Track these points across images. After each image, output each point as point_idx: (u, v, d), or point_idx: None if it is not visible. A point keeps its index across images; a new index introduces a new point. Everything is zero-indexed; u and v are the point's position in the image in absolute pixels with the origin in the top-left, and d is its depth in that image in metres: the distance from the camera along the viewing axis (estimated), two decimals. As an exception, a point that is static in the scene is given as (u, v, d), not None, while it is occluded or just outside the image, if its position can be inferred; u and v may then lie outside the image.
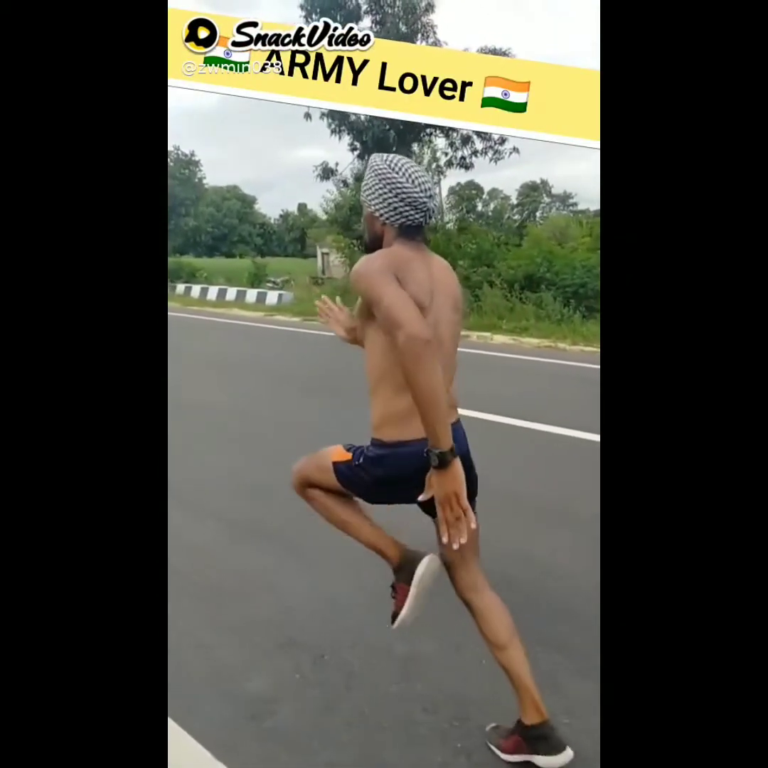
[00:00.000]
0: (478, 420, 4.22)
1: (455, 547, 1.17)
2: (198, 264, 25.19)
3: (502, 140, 14.19)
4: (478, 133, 14.11)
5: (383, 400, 1.35)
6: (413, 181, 1.34)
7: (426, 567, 1.40)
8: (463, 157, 14.39)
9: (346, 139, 14.50)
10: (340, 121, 13.97)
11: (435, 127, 14.07)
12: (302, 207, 77.41)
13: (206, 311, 13.90)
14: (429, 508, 1.33)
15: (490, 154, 14.33)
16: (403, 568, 1.43)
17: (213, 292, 16.87)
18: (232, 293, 16.42)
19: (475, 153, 14.41)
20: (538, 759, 1.36)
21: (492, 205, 46.50)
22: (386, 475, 1.34)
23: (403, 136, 14.08)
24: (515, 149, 14.25)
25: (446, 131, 14.37)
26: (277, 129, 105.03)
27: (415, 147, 14.51)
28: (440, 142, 14.84)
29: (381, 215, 1.38)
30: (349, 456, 1.41)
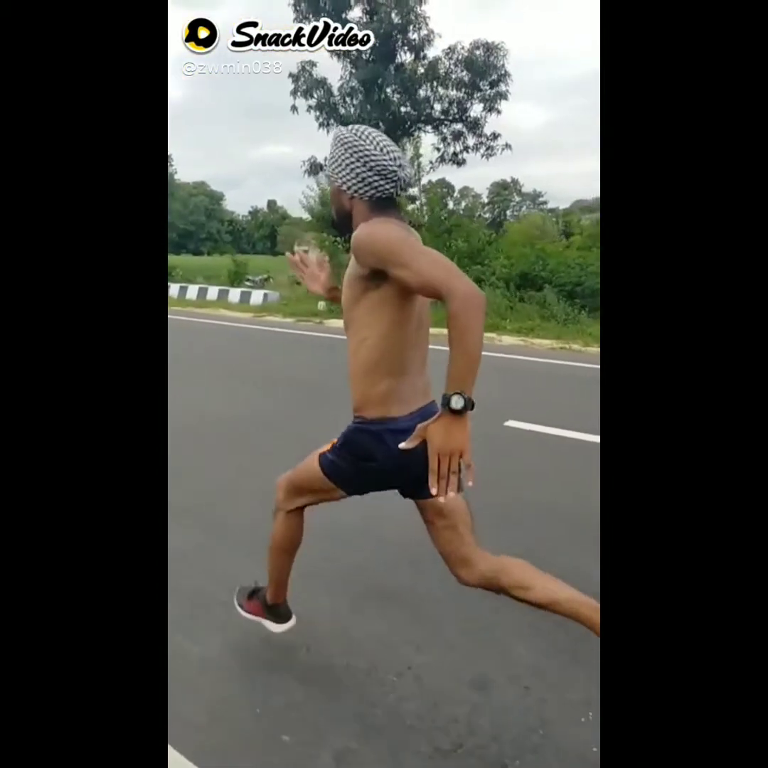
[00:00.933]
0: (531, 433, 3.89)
1: (442, 500, 1.14)
2: (172, 261, 24.24)
3: (495, 136, 13.94)
4: (471, 129, 13.83)
5: (372, 382, 1.31)
6: (382, 149, 1.25)
7: (285, 628, 1.74)
8: (455, 153, 14.06)
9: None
10: (328, 114, 13.50)
11: (425, 122, 13.75)
12: (272, 204, 76.65)
13: (189, 311, 13.27)
14: (410, 489, 1.41)
15: (482, 149, 14.04)
16: (271, 610, 1.73)
17: (192, 291, 16.20)
18: (213, 292, 15.79)
19: (466, 148, 14.11)
20: None
21: (463, 204, 46.59)
22: (370, 452, 1.32)
23: (392, 131, 13.67)
24: (507, 145, 14.02)
25: (437, 125, 14.04)
26: (241, 125, 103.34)
27: (404, 142, 14.11)
28: (430, 138, 14.48)
29: (349, 188, 1.29)
30: (332, 442, 1.42)
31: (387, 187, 1.28)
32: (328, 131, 14.02)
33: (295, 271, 1.71)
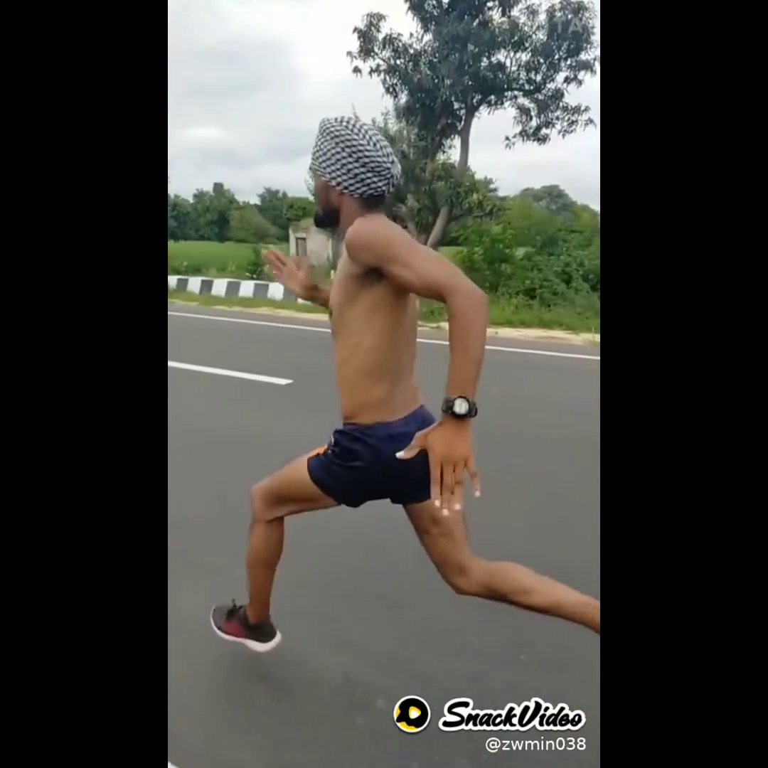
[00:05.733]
0: None
1: (446, 512, 1.07)
2: (176, 252, 20.97)
3: (579, 109, 12.38)
4: (554, 97, 12.21)
5: (367, 388, 1.26)
6: (375, 144, 1.21)
7: (270, 647, 1.66)
8: (538, 128, 12.38)
9: (402, 100, 12.09)
10: (402, 78, 11.51)
11: (504, 90, 12.03)
12: (218, 187, 72.56)
13: (240, 312, 11.07)
14: (404, 496, 1.36)
15: (561, 124, 12.42)
16: (254, 630, 1.65)
17: (220, 285, 13.81)
18: (247, 287, 13.48)
19: (547, 123, 12.46)
20: None
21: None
22: (366, 460, 1.27)
23: (471, 100, 11.91)
24: (590, 120, 12.49)
25: (515, 96, 12.33)
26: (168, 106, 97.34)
27: (484, 111, 12.35)
28: (504, 112, 12.67)
29: (339, 184, 1.24)
30: (322, 449, 1.37)
31: (380, 184, 1.23)
32: (394, 99, 12.08)
33: (271, 269, 1.65)
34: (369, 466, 1.26)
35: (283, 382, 4.94)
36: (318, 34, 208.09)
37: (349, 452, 1.28)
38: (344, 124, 1.21)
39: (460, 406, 1.02)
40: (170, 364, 5.77)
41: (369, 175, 1.20)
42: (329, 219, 1.29)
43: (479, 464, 1.05)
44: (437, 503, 1.05)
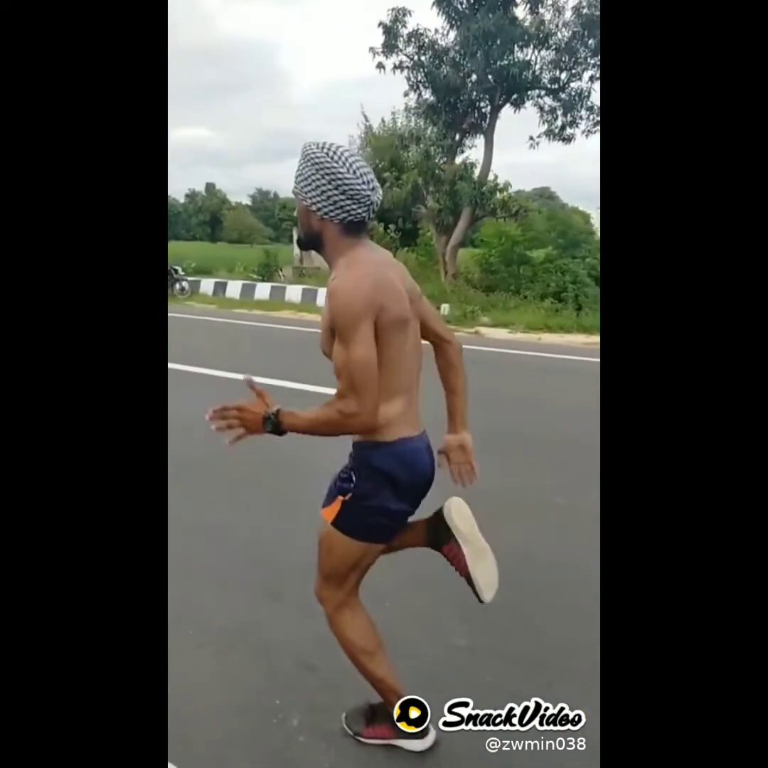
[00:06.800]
0: None
1: (212, 428, 1.27)
2: (182, 252, 20.24)
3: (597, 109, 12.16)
4: (579, 96, 11.95)
5: (386, 404, 1.26)
6: (355, 172, 1.21)
7: (431, 743, 1.47)
8: (563, 127, 12.11)
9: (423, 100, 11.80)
10: (428, 75, 11.19)
11: (529, 88, 11.76)
12: (210, 187, 71.81)
13: (259, 315, 10.71)
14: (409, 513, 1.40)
15: (586, 124, 12.17)
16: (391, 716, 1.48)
17: (234, 287, 13.40)
18: (263, 289, 13.11)
19: (573, 122, 12.20)
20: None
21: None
22: (393, 473, 1.29)
23: (495, 99, 11.64)
24: (615, 120, 12.25)
25: (541, 95, 12.06)
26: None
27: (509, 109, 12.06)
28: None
29: (319, 209, 1.25)
30: (334, 510, 1.35)
31: (359, 211, 1.24)
32: (418, 95, 11.78)
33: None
34: (396, 480, 1.30)
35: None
36: (308, 35, 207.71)
37: (378, 472, 1.31)
38: (325, 150, 1.21)
39: (267, 425, 1.27)
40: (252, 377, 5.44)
41: (348, 202, 1.21)
42: (312, 242, 1.31)
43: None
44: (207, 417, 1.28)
